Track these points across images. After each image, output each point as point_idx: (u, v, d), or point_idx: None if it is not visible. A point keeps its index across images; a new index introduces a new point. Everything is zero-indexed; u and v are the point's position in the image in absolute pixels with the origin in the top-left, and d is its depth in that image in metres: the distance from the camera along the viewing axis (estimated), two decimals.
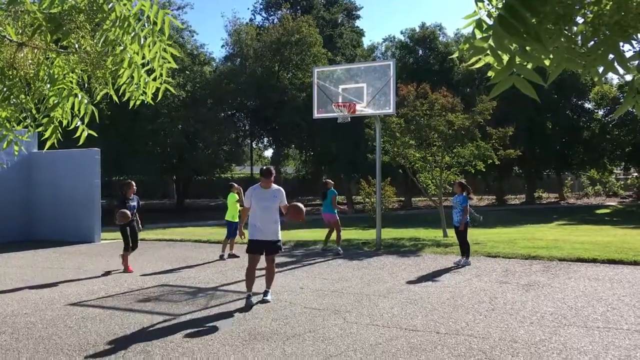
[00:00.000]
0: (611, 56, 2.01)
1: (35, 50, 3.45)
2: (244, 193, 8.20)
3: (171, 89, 3.98)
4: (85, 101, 3.89)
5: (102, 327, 6.39)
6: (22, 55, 3.43)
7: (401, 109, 16.46)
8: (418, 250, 12.64)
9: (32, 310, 7.34)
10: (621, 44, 2.05)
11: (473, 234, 14.72)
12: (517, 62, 2.11)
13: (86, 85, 3.96)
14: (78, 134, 4.02)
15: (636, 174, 42.90)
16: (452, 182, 16.95)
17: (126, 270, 10.44)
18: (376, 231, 13.72)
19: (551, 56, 2.09)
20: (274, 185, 7.54)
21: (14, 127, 4.04)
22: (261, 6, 48.44)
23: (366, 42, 53.95)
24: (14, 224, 16.06)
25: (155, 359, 5.23)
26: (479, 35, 2.06)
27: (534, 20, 1.94)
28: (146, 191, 45.82)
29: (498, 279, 9.11)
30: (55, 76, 3.76)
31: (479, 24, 2.02)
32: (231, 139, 38.13)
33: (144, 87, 3.78)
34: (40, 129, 3.98)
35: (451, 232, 13.36)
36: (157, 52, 3.52)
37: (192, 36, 39.73)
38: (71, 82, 3.88)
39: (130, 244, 10.60)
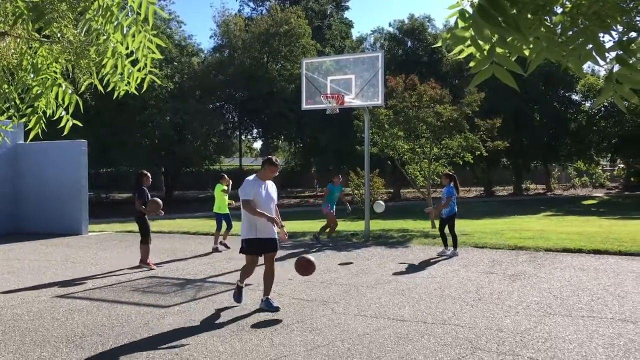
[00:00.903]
0: (590, 46, 2.03)
1: (18, 40, 3.41)
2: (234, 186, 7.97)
3: (156, 79, 3.94)
4: (70, 91, 3.85)
5: (90, 318, 6.37)
6: (4, 44, 3.39)
7: (390, 101, 16.47)
8: (406, 242, 12.70)
9: (18, 302, 7.30)
10: (601, 34, 2.07)
11: (461, 225, 14.81)
12: (498, 52, 2.11)
13: (70, 75, 3.92)
14: (62, 124, 3.98)
15: (622, 165, 43.27)
16: (441, 173, 17.05)
17: (148, 266, 9.79)
18: (364, 222, 13.77)
19: (531, 46, 2.10)
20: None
21: None
22: None
23: (355, 33, 53.84)
24: (0, 217, 15.92)
25: (142, 350, 5.22)
26: (461, 25, 2.07)
27: (513, 10, 1.94)
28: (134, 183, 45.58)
29: (485, 269, 9.19)
30: (39, 66, 3.72)
31: (462, 13, 2.02)
32: (220, 131, 37.97)
33: (128, 78, 3.75)
34: (24, 119, 3.94)
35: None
36: (141, 42, 3.49)
37: (180, 27, 39.40)
38: (55, 72, 3.84)
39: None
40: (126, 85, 3.79)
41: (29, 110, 3.90)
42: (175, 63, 34.95)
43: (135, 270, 9.66)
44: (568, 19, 2.03)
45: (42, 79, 3.79)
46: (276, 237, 6.77)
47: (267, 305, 6.64)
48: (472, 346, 5.15)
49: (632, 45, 2.06)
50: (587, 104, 37.62)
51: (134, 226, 17.36)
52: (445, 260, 10.20)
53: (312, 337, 5.52)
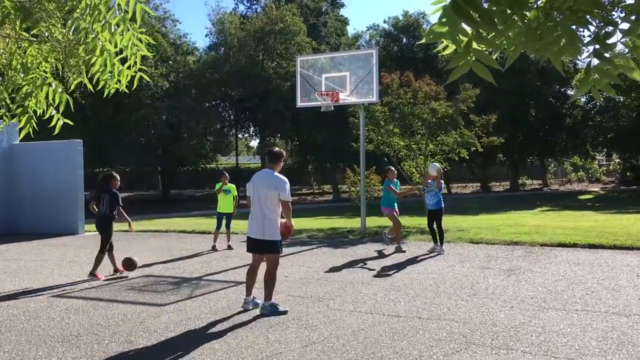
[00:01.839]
0: (563, 40, 2.04)
1: (7, 40, 3.42)
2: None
3: (146, 76, 3.94)
4: (60, 90, 3.85)
5: (86, 318, 6.38)
6: None
7: (385, 97, 16.49)
8: (402, 238, 12.71)
9: (14, 302, 7.29)
10: (580, 29, 2.08)
11: (457, 221, 14.86)
12: (475, 47, 2.12)
13: (60, 74, 3.92)
14: (53, 123, 3.98)
15: (618, 160, 43.40)
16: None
17: (97, 277, 8.89)
18: (361, 219, 13.78)
19: (505, 41, 2.11)
20: None
21: None
22: None
23: (350, 30, 53.89)
24: None
25: (138, 348, 5.23)
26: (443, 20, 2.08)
27: (486, 5, 1.95)
28: (131, 182, 45.66)
29: (480, 264, 9.21)
30: (29, 65, 3.72)
31: (444, 9, 2.03)
32: (216, 129, 37.98)
33: (118, 76, 3.75)
34: (14, 119, 3.94)
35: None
36: (129, 40, 3.49)
37: (175, 25, 39.34)
38: (45, 71, 3.84)
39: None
40: (116, 83, 3.80)
41: (20, 110, 3.90)
42: (170, 62, 34.91)
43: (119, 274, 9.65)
44: (542, 14, 2.04)
45: (31, 78, 3.80)
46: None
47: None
48: (467, 341, 5.17)
49: (609, 39, 2.07)
50: (583, 99, 37.71)
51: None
52: (441, 256, 10.23)
53: (307, 333, 5.53)
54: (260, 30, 36.83)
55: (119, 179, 9.52)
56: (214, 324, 6.01)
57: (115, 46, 3.52)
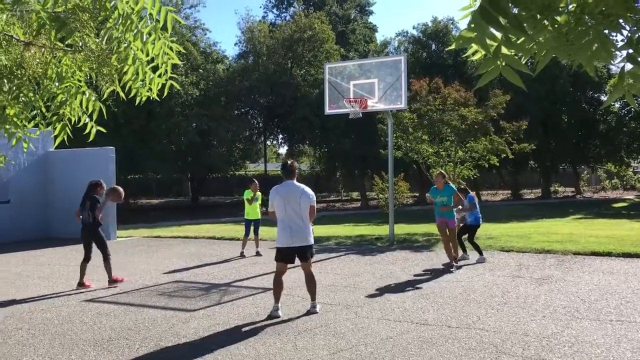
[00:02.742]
0: (596, 45, 2.00)
1: (43, 49, 3.52)
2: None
3: (176, 84, 4.02)
4: (93, 98, 3.96)
5: (117, 322, 6.48)
6: (29, 54, 3.50)
7: (414, 104, 16.41)
8: (431, 246, 12.61)
9: (48, 306, 7.45)
10: (613, 33, 2.04)
11: (487, 229, 14.66)
12: (505, 53, 2.10)
13: (93, 82, 4.02)
14: (87, 130, 4.09)
15: None
16: (466, 177, 16.92)
17: (116, 283, 9.03)
18: (389, 226, 13.71)
19: (535, 46, 2.08)
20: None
21: (25, 125, 4.12)
22: (273, 3, 48.44)
23: (379, 37, 53.71)
24: (32, 223, 16.29)
25: (168, 353, 5.29)
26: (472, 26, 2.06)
27: (516, 10, 1.93)
28: (161, 189, 46.30)
29: (511, 273, 9.07)
30: (63, 74, 3.83)
31: (473, 15, 2.02)
32: (245, 137, 38.24)
33: (149, 84, 3.83)
34: (50, 127, 4.06)
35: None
36: (160, 49, 3.56)
37: (205, 34, 39.85)
38: (79, 80, 3.95)
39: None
40: (148, 91, 3.88)
41: (55, 117, 4.02)
42: (200, 70, 35.32)
43: (161, 273, 9.76)
44: (573, 18, 2.01)
45: (66, 87, 3.90)
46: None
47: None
48: (497, 350, 5.09)
49: None
50: (617, 105, 36.92)
51: (161, 231, 17.65)
52: (471, 264, 10.10)
53: (335, 341, 5.52)
54: (289, 38, 37.04)
55: (104, 187, 9.52)
56: (242, 329, 6.04)
57: (147, 55, 3.61)
